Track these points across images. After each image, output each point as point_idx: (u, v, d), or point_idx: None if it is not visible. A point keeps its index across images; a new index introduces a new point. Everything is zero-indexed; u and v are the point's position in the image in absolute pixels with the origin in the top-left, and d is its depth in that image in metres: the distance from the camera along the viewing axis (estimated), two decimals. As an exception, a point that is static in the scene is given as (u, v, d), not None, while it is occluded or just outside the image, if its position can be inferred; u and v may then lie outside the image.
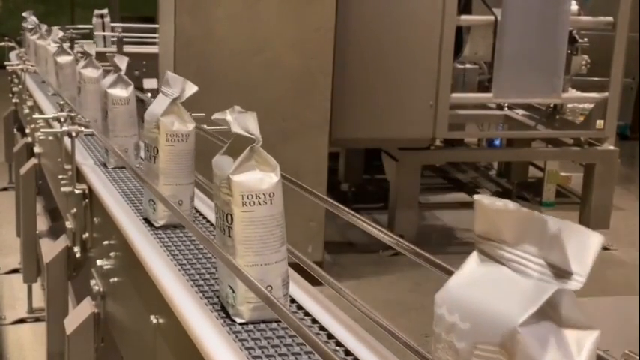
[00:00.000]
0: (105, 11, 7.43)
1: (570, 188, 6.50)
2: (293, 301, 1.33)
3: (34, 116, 3.29)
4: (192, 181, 1.74)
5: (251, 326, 1.24)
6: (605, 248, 5.10)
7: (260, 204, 1.21)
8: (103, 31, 7.33)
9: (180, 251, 1.59)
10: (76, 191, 2.28)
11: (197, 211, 1.84)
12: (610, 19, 5.15)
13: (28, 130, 4.19)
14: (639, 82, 8.47)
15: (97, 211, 2.15)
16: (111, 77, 2.20)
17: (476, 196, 0.69)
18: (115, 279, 1.95)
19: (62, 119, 2.29)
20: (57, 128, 2.32)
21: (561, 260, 0.62)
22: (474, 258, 0.70)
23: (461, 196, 6.63)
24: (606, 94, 5.21)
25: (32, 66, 4.35)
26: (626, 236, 5.46)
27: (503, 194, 6.54)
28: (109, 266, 2.01)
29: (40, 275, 3.81)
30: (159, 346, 1.50)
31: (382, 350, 1.19)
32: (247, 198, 1.21)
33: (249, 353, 1.17)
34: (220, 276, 1.30)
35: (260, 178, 1.21)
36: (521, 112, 5.94)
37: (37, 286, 4.02)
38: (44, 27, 4.58)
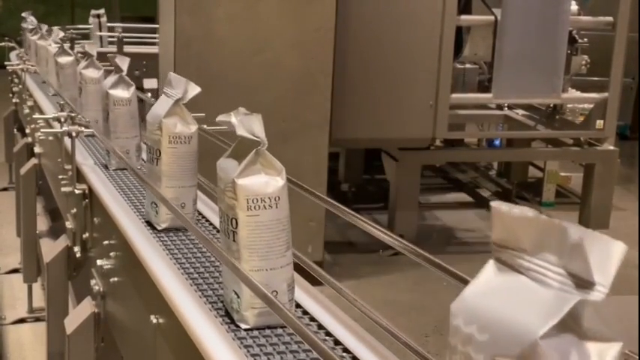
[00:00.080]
0: (101, 11, 7.42)
1: (570, 188, 6.50)
2: (298, 305, 1.31)
3: (34, 116, 3.29)
4: (195, 184, 1.72)
5: (256, 332, 1.22)
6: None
7: (265, 208, 1.19)
8: (100, 31, 7.32)
9: (183, 255, 1.57)
10: (76, 191, 2.28)
11: (199, 214, 1.83)
12: (610, 19, 5.15)
13: (28, 130, 4.19)
14: (639, 82, 8.47)
15: (97, 211, 2.15)
16: (112, 78, 2.19)
17: (493, 203, 0.66)
18: (115, 279, 1.95)
19: (62, 119, 2.28)
20: (57, 128, 2.32)
21: (583, 270, 0.60)
22: (490, 267, 0.67)
23: (461, 196, 6.63)
24: (606, 94, 5.21)
25: (32, 66, 4.35)
26: (626, 236, 5.45)
27: (503, 194, 6.54)
28: (109, 266, 2.01)
29: (40, 275, 3.81)
30: (159, 347, 1.50)
31: (382, 350, 1.19)
32: (252, 202, 1.19)
33: (255, 360, 1.15)
34: (225, 281, 1.29)
35: (265, 181, 1.19)
36: (521, 112, 5.94)
37: (37, 286, 4.02)
38: (44, 27, 4.58)
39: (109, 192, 2.06)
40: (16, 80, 5.15)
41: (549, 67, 4.98)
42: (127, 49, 6.73)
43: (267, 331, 1.22)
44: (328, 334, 1.23)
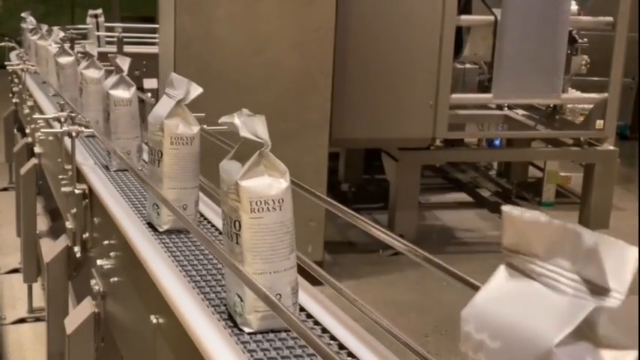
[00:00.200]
0: (99, 11, 7.41)
1: (570, 188, 6.50)
2: (302, 309, 1.30)
3: (34, 116, 3.28)
4: (197, 185, 1.71)
5: (259, 336, 1.21)
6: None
7: (269, 210, 1.18)
8: (98, 31, 7.32)
9: (185, 257, 1.56)
10: (76, 191, 2.28)
11: (201, 215, 1.81)
12: (610, 19, 5.15)
13: (28, 130, 4.19)
14: (639, 82, 8.47)
15: (97, 211, 2.15)
16: (113, 78, 2.18)
17: (504, 208, 0.65)
18: (116, 279, 1.95)
19: (62, 119, 2.28)
20: (57, 128, 2.32)
21: (598, 276, 0.58)
22: (501, 272, 0.66)
23: (461, 196, 6.63)
24: (606, 94, 5.21)
25: (32, 66, 4.35)
26: (626, 236, 5.44)
27: (503, 194, 6.54)
28: (109, 266, 2.01)
29: (40, 275, 3.81)
30: (159, 347, 1.50)
31: (382, 350, 1.19)
32: (256, 204, 1.17)
33: (258, 364, 1.14)
34: (228, 284, 1.27)
35: (269, 183, 1.18)
36: (521, 112, 5.94)
37: (37, 286, 4.02)
38: (45, 27, 4.58)
39: (109, 192, 2.06)
40: (16, 80, 5.15)
41: (549, 67, 4.98)
42: (127, 49, 6.73)
43: (271, 335, 1.21)
44: (332, 337, 1.22)
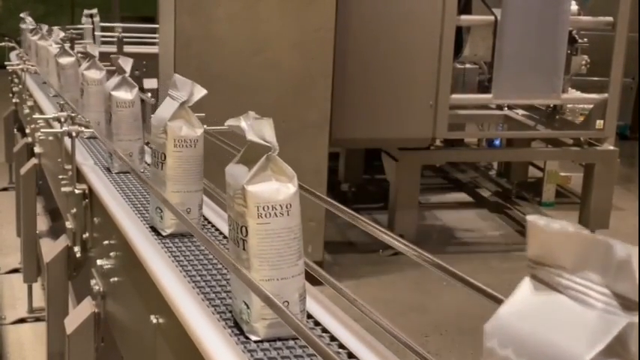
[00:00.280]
0: (94, 11, 7.40)
1: (570, 188, 6.50)
2: (309, 316, 1.27)
3: (34, 116, 3.28)
4: (201, 188, 1.69)
5: (267, 344, 1.18)
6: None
7: (277, 215, 1.15)
8: (93, 31, 7.32)
9: (189, 262, 1.53)
10: (76, 191, 2.27)
11: (205, 219, 1.79)
12: (610, 19, 5.15)
13: (28, 130, 4.19)
14: (639, 82, 8.47)
15: (97, 211, 2.15)
16: (115, 79, 2.17)
17: (529, 217, 0.62)
18: (116, 279, 1.95)
19: (62, 119, 2.27)
20: (57, 128, 2.31)
21: (630, 290, 0.55)
22: (526, 285, 0.63)
23: (461, 196, 6.64)
24: (606, 95, 5.21)
25: (32, 66, 4.35)
26: (626, 236, 5.46)
27: (503, 194, 6.54)
28: (109, 266, 2.01)
29: (40, 275, 3.81)
30: (159, 348, 1.50)
31: (382, 350, 1.18)
32: (263, 209, 1.15)
33: (266, 373, 1.13)
34: (234, 290, 1.24)
35: (276, 188, 1.16)
36: (521, 112, 5.94)
37: (37, 286, 4.02)
38: (45, 27, 4.57)
39: (109, 192, 2.06)
40: (16, 80, 5.15)
41: (549, 67, 4.98)
42: (127, 49, 6.73)
43: (279, 343, 1.18)
44: (341, 346, 1.20)
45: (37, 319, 3.91)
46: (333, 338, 1.22)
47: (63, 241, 2.55)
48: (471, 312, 4.04)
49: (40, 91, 4.01)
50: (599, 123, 5.29)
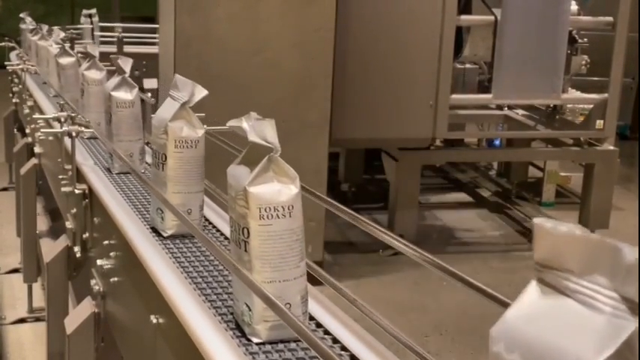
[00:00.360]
0: (93, 11, 7.40)
1: (570, 188, 6.50)
2: (311, 318, 1.27)
3: (34, 116, 3.28)
4: (202, 189, 1.68)
5: (269, 346, 1.17)
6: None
7: (279, 217, 1.15)
8: (92, 31, 7.32)
9: (190, 263, 1.53)
10: (76, 191, 2.27)
11: (206, 219, 1.78)
12: (610, 19, 5.15)
13: (28, 130, 4.19)
14: (639, 82, 8.47)
15: (97, 211, 2.15)
16: (115, 80, 2.16)
17: (536, 220, 0.61)
18: (116, 279, 1.95)
19: (62, 119, 2.27)
20: (57, 128, 2.31)
21: (639, 294, 0.55)
22: (533, 288, 0.62)
23: (461, 196, 6.64)
24: (606, 95, 5.21)
25: (32, 66, 4.35)
26: (626, 236, 5.46)
27: (503, 194, 6.54)
28: (109, 266, 2.01)
29: (40, 275, 3.81)
30: (159, 348, 1.50)
31: (382, 350, 1.18)
32: (265, 211, 1.14)
33: (268, 376, 1.12)
34: (235, 292, 1.24)
35: (278, 189, 1.15)
36: (521, 112, 5.94)
37: (37, 286, 4.02)
38: (45, 27, 4.57)
39: (108, 192, 2.06)
40: (16, 80, 5.15)
41: (549, 67, 4.98)
42: (127, 49, 6.73)
43: (280, 346, 1.18)
44: (344, 348, 1.19)
45: (37, 319, 3.91)
46: (335, 340, 1.21)
47: (63, 241, 2.55)
48: (471, 312, 4.06)
49: (40, 91, 4.01)
50: (599, 123, 5.29)
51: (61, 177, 2.42)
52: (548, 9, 4.90)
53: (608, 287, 0.57)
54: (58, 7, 12.58)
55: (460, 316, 4.13)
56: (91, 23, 7.28)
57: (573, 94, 5.39)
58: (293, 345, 1.18)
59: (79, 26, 7.55)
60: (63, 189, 2.36)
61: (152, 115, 1.80)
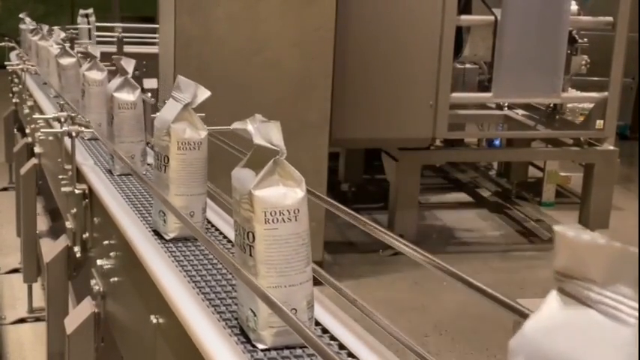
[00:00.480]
0: (89, 11, 7.40)
1: (570, 188, 6.50)
2: (317, 323, 1.25)
3: (34, 116, 3.28)
4: (205, 191, 1.66)
5: (274, 353, 1.16)
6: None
7: (284, 221, 1.13)
8: (89, 31, 7.32)
9: (194, 266, 1.51)
10: (76, 191, 2.27)
11: (208, 222, 1.77)
12: (610, 19, 5.15)
13: (28, 130, 4.20)
14: (639, 82, 8.47)
15: (97, 211, 2.15)
16: (117, 80, 2.14)
17: (557, 228, 0.58)
18: (116, 279, 1.95)
19: (62, 119, 2.27)
20: (57, 128, 2.31)
21: None
22: (553, 299, 0.60)
23: (461, 196, 6.64)
24: (606, 94, 5.21)
25: (32, 66, 4.35)
26: (626, 236, 5.46)
27: (503, 194, 6.54)
28: (109, 266, 2.01)
29: (40, 275, 3.81)
30: (159, 348, 1.50)
31: (382, 350, 1.18)
32: (270, 214, 1.12)
33: (273, 383, 1.11)
34: (240, 297, 1.22)
35: (284, 193, 1.13)
36: (521, 112, 5.94)
37: (37, 286, 4.02)
38: (45, 27, 4.57)
39: (108, 192, 2.06)
40: (16, 80, 5.15)
41: (549, 67, 4.98)
42: (127, 49, 6.73)
43: (286, 352, 1.16)
44: (350, 354, 1.18)
45: (37, 319, 3.91)
46: (341, 346, 1.20)
47: (63, 241, 2.55)
48: (471, 312, 4.06)
49: (40, 91, 4.01)
50: (599, 123, 5.30)
51: (61, 177, 2.42)
52: (548, 9, 4.90)
53: (633, 298, 0.55)
54: (58, 7, 12.58)
55: (460, 316, 4.14)
56: (88, 23, 7.28)
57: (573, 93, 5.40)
58: (299, 351, 1.16)
59: (76, 26, 7.55)
60: (63, 189, 2.36)
61: (152, 116, 1.79)
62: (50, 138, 2.70)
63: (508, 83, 4.98)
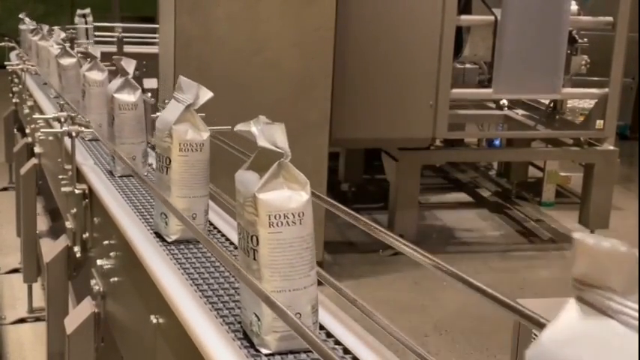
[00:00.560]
0: (87, 11, 7.40)
1: (570, 188, 6.50)
2: (321, 327, 1.24)
3: (34, 116, 3.28)
4: (207, 193, 1.65)
5: (278, 357, 1.14)
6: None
7: (289, 224, 1.11)
8: (87, 31, 7.32)
9: (196, 269, 1.50)
10: (76, 191, 2.27)
11: (211, 224, 1.75)
12: (610, 19, 5.15)
13: (28, 130, 4.20)
14: (639, 82, 8.47)
15: (97, 211, 2.15)
16: (117, 81, 2.13)
17: (576, 235, 0.56)
18: (116, 279, 1.95)
19: (62, 119, 2.27)
20: (57, 128, 2.31)
21: None
22: (572, 308, 0.57)
23: (461, 196, 6.64)
24: (606, 90, 5.21)
25: (32, 66, 4.35)
26: (626, 236, 5.46)
27: (503, 194, 6.54)
28: (109, 266, 2.01)
29: (40, 275, 3.81)
30: (159, 348, 1.50)
31: (382, 350, 1.18)
32: (275, 218, 1.11)
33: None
34: (243, 301, 1.20)
35: (288, 196, 1.12)
36: (521, 112, 5.94)
37: (37, 286, 4.02)
38: (46, 28, 4.57)
39: (108, 192, 2.06)
40: (16, 80, 5.15)
41: (549, 67, 4.98)
42: (127, 49, 6.73)
43: (290, 357, 1.15)
44: (355, 359, 1.17)
45: (37, 319, 3.91)
46: (346, 351, 1.19)
47: (63, 241, 2.55)
48: (471, 312, 4.06)
49: (40, 91, 4.01)
50: (599, 123, 5.30)
51: (61, 177, 2.42)
52: (548, 9, 4.90)
53: None
54: (58, 7, 12.57)
55: (460, 316, 4.14)
56: (86, 23, 7.28)
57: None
58: (303, 356, 1.15)
59: (74, 26, 7.55)
60: (63, 189, 2.36)
61: (152, 116, 1.79)
62: (50, 138, 2.70)
63: (508, 83, 4.99)
